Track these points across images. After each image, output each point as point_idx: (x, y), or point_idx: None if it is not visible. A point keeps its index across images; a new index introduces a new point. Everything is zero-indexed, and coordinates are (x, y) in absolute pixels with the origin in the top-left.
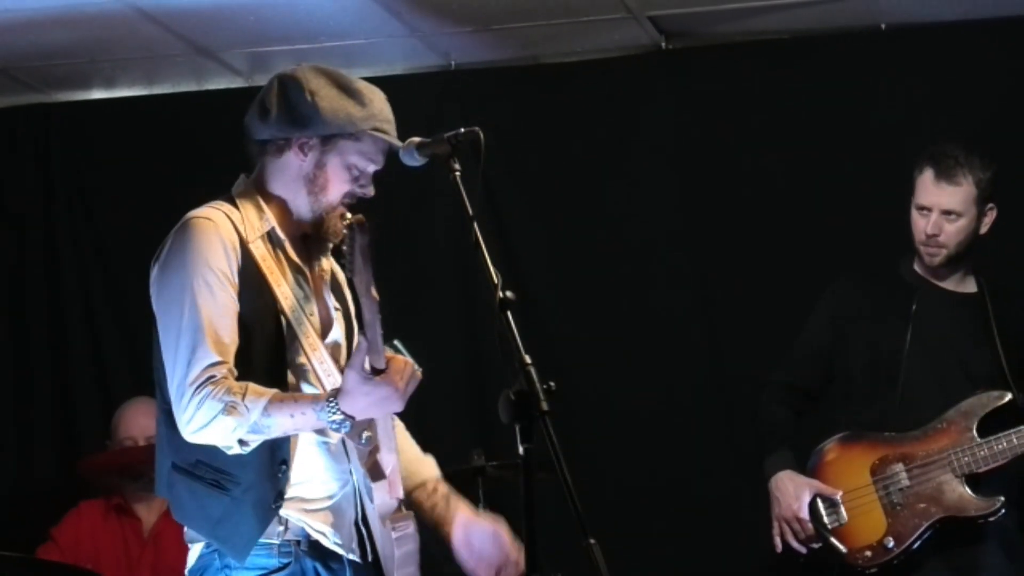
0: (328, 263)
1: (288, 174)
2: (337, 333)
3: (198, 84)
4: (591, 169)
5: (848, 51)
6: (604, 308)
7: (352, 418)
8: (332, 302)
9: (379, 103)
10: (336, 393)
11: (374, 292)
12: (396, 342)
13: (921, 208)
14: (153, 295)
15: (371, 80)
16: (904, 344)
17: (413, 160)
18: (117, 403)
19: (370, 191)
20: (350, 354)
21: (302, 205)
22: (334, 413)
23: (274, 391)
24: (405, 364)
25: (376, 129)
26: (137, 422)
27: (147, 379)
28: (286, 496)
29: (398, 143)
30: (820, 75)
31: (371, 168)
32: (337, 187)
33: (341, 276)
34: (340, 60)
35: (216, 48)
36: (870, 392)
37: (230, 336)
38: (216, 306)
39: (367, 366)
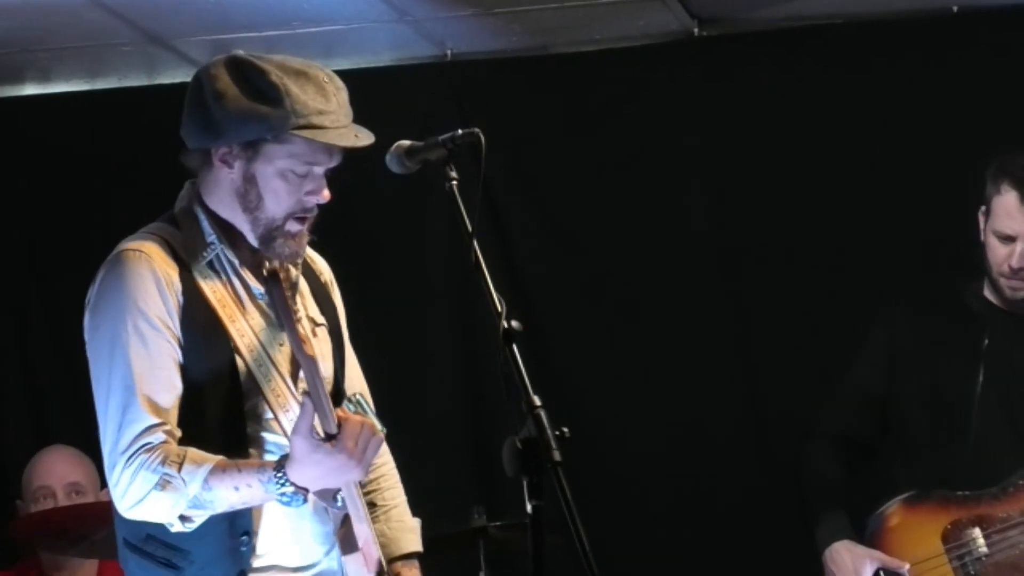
0: (296, 271)
1: (222, 189)
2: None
3: (149, 77)
4: (610, 176)
5: (911, 37)
6: (623, 336)
7: (305, 491)
8: (316, 315)
9: (309, 93)
10: (284, 461)
11: (307, 348)
12: (358, 395)
13: (1003, 236)
14: (87, 345)
15: (352, 73)
16: (975, 385)
17: (401, 167)
18: None
19: (322, 197)
20: (340, 378)
21: (243, 226)
22: (283, 485)
23: (217, 459)
24: (361, 425)
25: (302, 127)
26: (54, 469)
27: (94, 424)
28: (257, 567)
29: (340, 142)
30: (876, 65)
31: (317, 169)
32: (276, 201)
33: (328, 276)
34: (317, 50)
35: (170, 36)
36: (933, 443)
37: (169, 392)
38: (150, 358)
39: (319, 430)
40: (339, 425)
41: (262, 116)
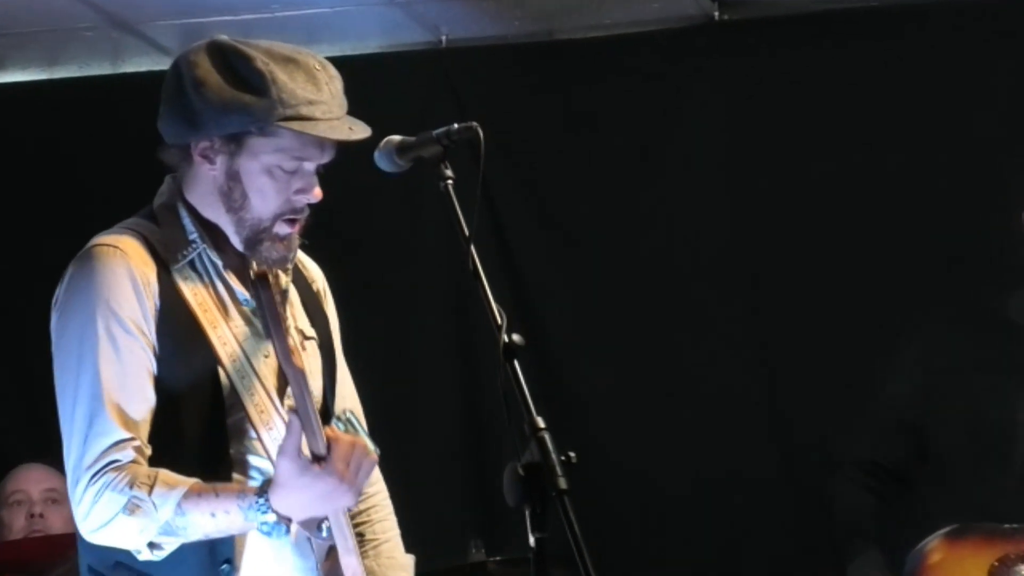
0: (286, 278)
1: (203, 186)
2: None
3: (113, 65)
4: (620, 175)
5: (945, 21)
6: (635, 351)
7: (288, 520)
8: (306, 327)
9: (298, 81)
10: (267, 486)
11: (296, 360)
12: (348, 413)
13: None
14: (53, 347)
15: (337, 61)
16: (1019, 406)
17: (392, 165)
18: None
19: (313, 196)
20: (329, 398)
21: (227, 227)
22: (264, 513)
23: (192, 482)
24: (352, 446)
25: (289, 118)
26: (31, 475)
27: (52, 441)
28: None
29: (332, 135)
30: (916, 52)
31: (307, 165)
32: (262, 200)
33: (321, 284)
34: (298, 35)
35: (137, 20)
36: (974, 470)
37: (141, 404)
38: (122, 365)
39: (305, 451)
40: (328, 446)
41: (246, 106)
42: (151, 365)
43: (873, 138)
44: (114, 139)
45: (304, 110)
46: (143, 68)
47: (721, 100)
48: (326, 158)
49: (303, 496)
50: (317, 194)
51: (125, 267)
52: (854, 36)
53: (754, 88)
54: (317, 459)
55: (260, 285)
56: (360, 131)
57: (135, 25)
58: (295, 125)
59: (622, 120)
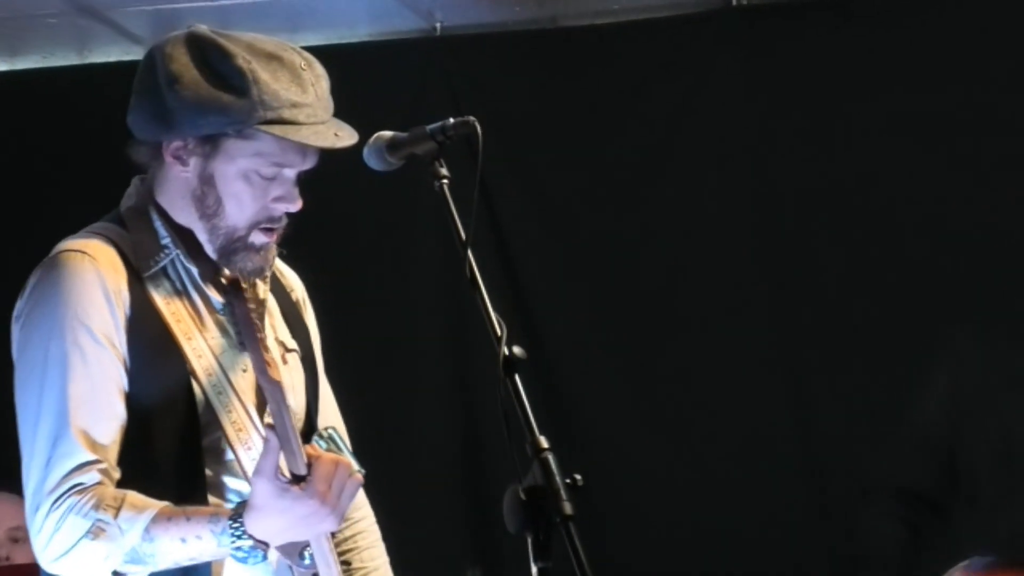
0: (264, 287)
1: (175, 189)
2: (287, 392)
3: (80, 55)
4: (631, 171)
5: (987, 2)
6: (647, 363)
7: (265, 545)
8: (287, 339)
9: (281, 81)
10: (243, 509)
11: (273, 373)
12: (331, 430)
13: None
14: (15, 362)
15: (323, 51)
16: None
17: (383, 163)
18: None
19: (292, 205)
20: (312, 414)
21: (200, 233)
22: (239, 538)
23: (162, 505)
24: (335, 465)
25: (271, 121)
26: None
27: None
28: None
29: (316, 141)
30: (947, 36)
31: (287, 172)
32: (237, 207)
33: (300, 294)
34: (280, 22)
35: (104, 6)
36: (1007, 496)
37: (109, 422)
38: (90, 380)
39: (284, 471)
40: (309, 465)
41: (223, 107)
42: (121, 380)
43: (903, 132)
44: (80, 135)
45: (287, 113)
46: (111, 58)
47: (740, 92)
48: (308, 165)
49: (281, 520)
50: (297, 203)
51: (95, 274)
52: (882, 20)
53: (776, 78)
54: (297, 479)
55: (233, 293)
56: (346, 137)
57: (103, 11)
58: (276, 129)
59: (632, 114)
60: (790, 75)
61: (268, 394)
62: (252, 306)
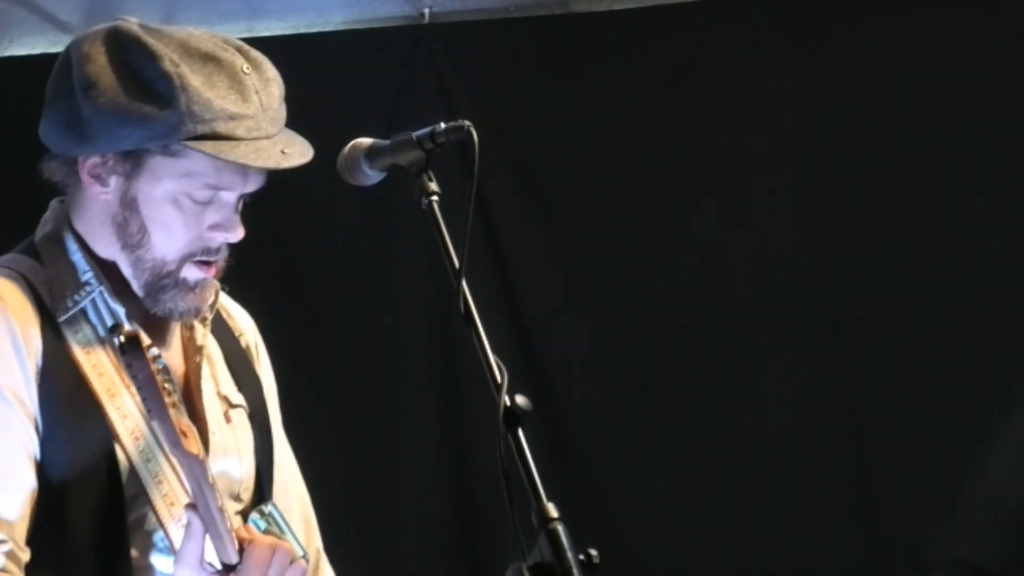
0: (204, 330)
1: (94, 214)
2: (229, 460)
3: None
4: (656, 178)
5: None
6: (676, 405)
7: None
8: (231, 393)
9: (217, 88)
10: None
11: (188, 445)
12: (271, 506)
13: None
14: None
15: (290, 43)
16: None
17: (360, 175)
18: None
19: (231, 234)
20: (265, 481)
21: (124, 267)
22: None
23: None
24: (271, 551)
25: (202, 136)
26: None
27: None
28: None
29: (256, 161)
30: (1013, 18)
31: (226, 195)
32: (166, 236)
33: (251, 338)
34: (236, 8)
35: None
36: None
37: (17, 495)
38: None
39: (215, 562)
40: (242, 550)
41: (143, 118)
42: (31, 444)
43: (978, 125)
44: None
45: (222, 126)
46: (36, 49)
47: (782, 83)
48: (251, 187)
49: None
50: (237, 232)
51: (2, 319)
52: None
53: (823, 69)
54: (227, 569)
55: (131, 352)
56: (296, 155)
57: None
58: (208, 146)
59: (657, 115)
60: (846, 68)
61: (185, 470)
62: (153, 366)
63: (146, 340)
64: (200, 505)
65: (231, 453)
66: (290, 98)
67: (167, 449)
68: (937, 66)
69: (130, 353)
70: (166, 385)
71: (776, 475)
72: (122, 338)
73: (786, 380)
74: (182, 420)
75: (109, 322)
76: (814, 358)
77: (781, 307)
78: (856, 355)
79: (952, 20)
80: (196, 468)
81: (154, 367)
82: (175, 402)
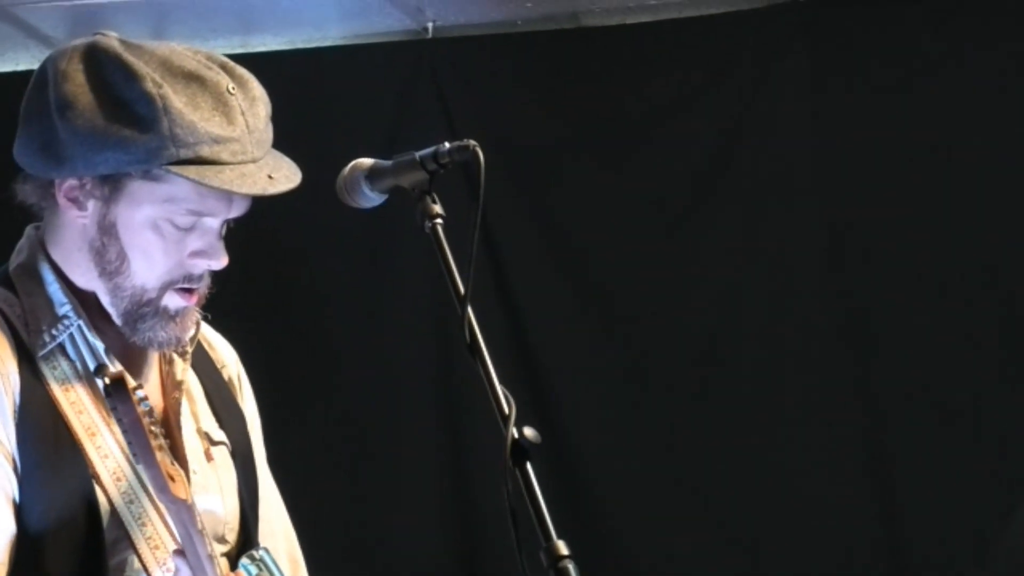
0: (184, 364)
1: (71, 240)
2: (211, 499)
3: None
4: (670, 201)
5: None
6: (692, 442)
7: None
8: (212, 429)
9: (201, 109)
10: None
11: (175, 490)
12: (262, 551)
13: None
14: None
15: (286, 58)
16: None
17: (361, 197)
18: None
19: (214, 261)
20: (249, 521)
21: (102, 295)
22: None
23: None
24: None
25: (184, 161)
26: None
27: None
28: None
29: (241, 188)
30: None
31: (209, 221)
32: (145, 263)
33: (234, 370)
34: (229, 21)
35: (11, 1)
36: None
37: None
38: None
39: None
40: None
41: (123, 143)
42: (10, 485)
43: (992, 139)
44: None
45: (206, 150)
46: (20, 66)
47: (799, 99)
48: (236, 212)
49: None
50: (220, 260)
51: None
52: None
53: (849, 84)
54: None
55: (116, 395)
56: (283, 180)
57: (7, 7)
58: (191, 171)
59: (671, 134)
60: (868, 80)
61: (173, 516)
62: (144, 409)
63: (131, 382)
64: (188, 552)
65: (213, 492)
66: (286, 116)
67: (153, 493)
68: (960, 78)
69: (115, 396)
70: (152, 428)
71: (798, 511)
72: (107, 380)
73: (805, 408)
74: (168, 464)
75: (88, 357)
76: (834, 383)
77: (799, 332)
78: (878, 379)
79: (977, 31)
80: (184, 513)
81: (140, 409)
82: (161, 444)
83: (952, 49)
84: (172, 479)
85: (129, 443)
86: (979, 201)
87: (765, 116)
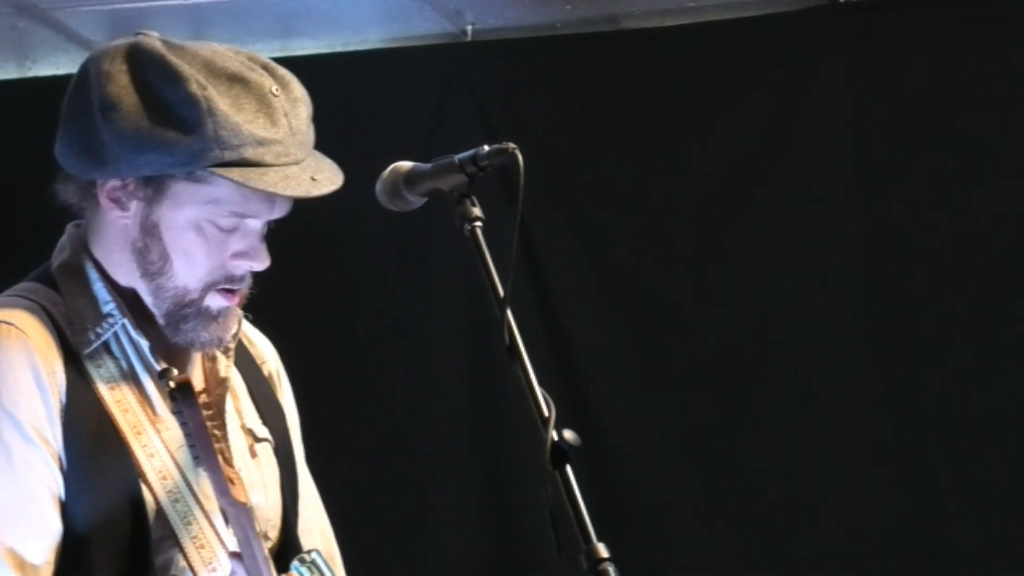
0: (227, 362)
1: (113, 240)
2: (256, 496)
3: (20, 67)
4: (710, 205)
5: None
6: (730, 449)
7: None
8: (256, 426)
9: (245, 111)
10: None
11: (236, 493)
12: (315, 554)
13: None
14: None
15: (324, 62)
16: None
17: (399, 200)
18: None
19: (256, 262)
20: (291, 519)
21: (144, 295)
22: None
23: None
24: None
25: (229, 163)
26: None
27: None
28: None
29: (285, 190)
30: None
31: (252, 223)
32: (188, 264)
33: (273, 366)
34: (268, 25)
35: (51, 4)
36: None
37: (42, 539)
38: (17, 485)
39: None
40: None
41: (167, 144)
42: (56, 485)
43: None
44: (19, 164)
45: (250, 152)
46: (60, 71)
47: (843, 102)
48: (278, 214)
49: None
50: (263, 260)
51: (25, 353)
52: (1019, 14)
53: (887, 86)
54: None
55: (182, 399)
56: (326, 182)
57: (48, 11)
58: (235, 173)
59: (711, 137)
60: (910, 83)
61: (232, 520)
62: (208, 413)
63: (197, 386)
64: (246, 555)
65: (257, 489)
66: (325, 120)
67: (214, 496)
68: (1001, 81)
69: (181, 400)
70: (215, 432)
71: (837, 520)
72: (172, 384)
73: (844, 416)
74: (227, 466)
75: (132, 355)
76: (872, 390)
77: (837, 337)
78: (917, 386)
79: (1019, 33)
80: (243, 517)
81: (205, 414)
82: (223, 448)
83: (992, 52)
84: (232, 482)
85: (192, 446)
86: (1022, 206)
87: (803, 118)
